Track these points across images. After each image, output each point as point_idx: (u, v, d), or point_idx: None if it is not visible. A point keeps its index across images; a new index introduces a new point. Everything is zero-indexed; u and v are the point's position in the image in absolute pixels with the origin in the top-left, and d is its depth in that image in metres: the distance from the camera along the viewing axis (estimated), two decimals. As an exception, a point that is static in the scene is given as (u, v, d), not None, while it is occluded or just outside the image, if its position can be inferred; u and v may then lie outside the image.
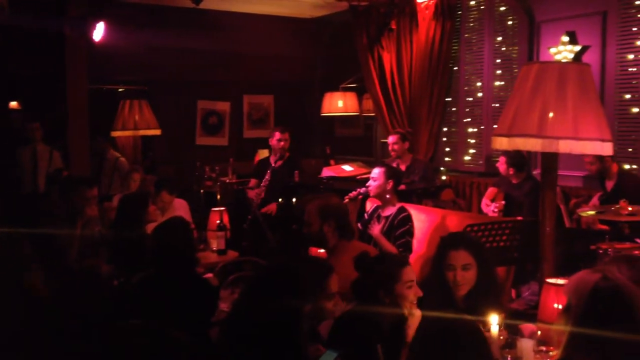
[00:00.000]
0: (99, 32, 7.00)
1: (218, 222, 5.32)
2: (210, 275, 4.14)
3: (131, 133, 8.08)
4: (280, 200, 6.67)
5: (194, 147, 8.86)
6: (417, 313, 2.75)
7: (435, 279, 3.09)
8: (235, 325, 2.33)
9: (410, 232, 4.57)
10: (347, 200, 4.74)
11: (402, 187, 6.20)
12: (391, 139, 6.72)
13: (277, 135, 6.75)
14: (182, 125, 8.81)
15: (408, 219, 4.61)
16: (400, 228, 4.56)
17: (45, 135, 7.03)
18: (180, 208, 5.56)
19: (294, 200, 6.55)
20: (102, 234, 4.58)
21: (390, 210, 4.69)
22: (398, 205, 4.71)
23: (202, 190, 7.20)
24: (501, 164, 6.03)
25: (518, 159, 5.87)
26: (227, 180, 7.21)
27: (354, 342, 2.57)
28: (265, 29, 9.07)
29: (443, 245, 3.13)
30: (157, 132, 8.15)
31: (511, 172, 5.93)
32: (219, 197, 6.81)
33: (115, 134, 8.05)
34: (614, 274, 2.03)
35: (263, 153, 8.15)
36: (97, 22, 6.96)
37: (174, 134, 8.59)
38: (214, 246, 5.28)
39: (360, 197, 4.85)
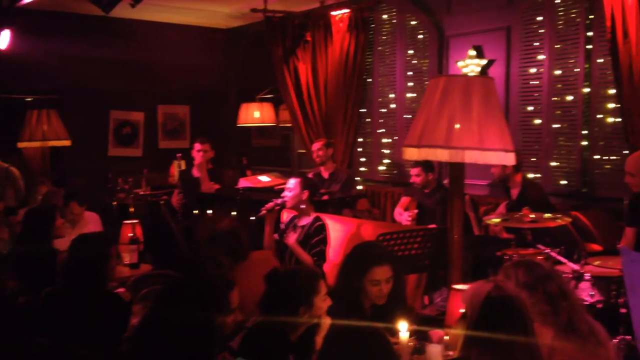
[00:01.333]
0: (4, 40, 6.76)
1: (130, 235, 5.20)
2: (122, 290, 4.04)
3: (39, 144, 7.78)
4: (195, 212, 6.59)
5: (107, 158, 8.66)
6: (327, 321, 2.79)
7: (347, 289, 3.14)
8: (144, 339, 2.29)
9: (324, 241, 4.63)
10: (263, 212, 4.75)
11: (325, 197, 6.30)
12: (315, 146, 6.78)
13: (197, 146, 6.72)
14: (94, 135, 8.59)
15: (323, 228, 4.67)
16: (315, 237, 4.61)
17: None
18: (91, 221, 5.41)
19: (209, 212, 6.49)
20: (8, 248, 4.41)
21: (306, 220, 4.74)
22: (313, 214, 4.77)
23: (114, 203, 7.03)
24: (417, 176, 6.09)
25: (430, 163, 5.99)
26: (141, 192, 7.06)
27: (265, 353, 2.58)
28: (180, 39, 8.98)
29: (366, 261, 3.18)
30: (67, 142, 7.89)
31: (430, 177, 6.03)
32: (132, 209, 6.66)
33: (22, 145, 7.73)
34: (505, 284, 2.20)
35: (177, 164, 8.02)
36: (2, 29, 6.71)
37: (85, 144, 8.33)
38: (127, 260, 5.15)
39: (277, 208, 4.87)
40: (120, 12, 7.12)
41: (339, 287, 3.23)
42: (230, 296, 2.53)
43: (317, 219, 4.73)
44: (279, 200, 4.84)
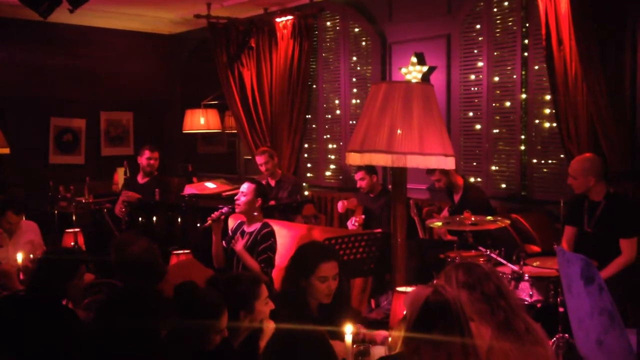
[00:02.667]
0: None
1: (72, 244, 5.10)
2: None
3: (-23, 152, 7.55)
4: (140, 219, 6.52)
5: (48, 166, 8.46)
6: (271, 326, 2.81)
7: (294, 290, 3.15)
8: (86, 349, 2.26)
9: (272, 248, 4.63)
10: (209, 222, 4.71)
11: (272, 202, 6.30)
12: (260, 159, 6.73)
13: (147, 153, 6.68)
14: (34, 143, 8.39)
15: (271, 234, 4.67)
16: (263, 244, 4.61)
17: None
18: (30, 230, 5.28)
19: (154, 219, 6.44)
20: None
21: (254, 227, 4.74)
22: (263, 221, 4.78)
23: (55, 211, 6.88)
24: (362, 180, 6.14)
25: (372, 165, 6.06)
26: (84, 200, 6.93)
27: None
28: (123, 45, 8.88)
29: (313, 258, 3.19)
30: (6, 150, 7.67)
31: (374, 179, 6.11)
32: (74, 218, 6.53)
33: (-42, 153, 7.50)
34: (444, 289, 2.30)
35: (122, 171, 7.92)
36: None
37: (24, 152, 8.14)
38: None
39: (223, 217, 4.85)
40: (60, 18, 6.98)
41: (286, 289, 3.24)
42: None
43: (266, 225, 4.73)
44: (225, 209, 4.83)
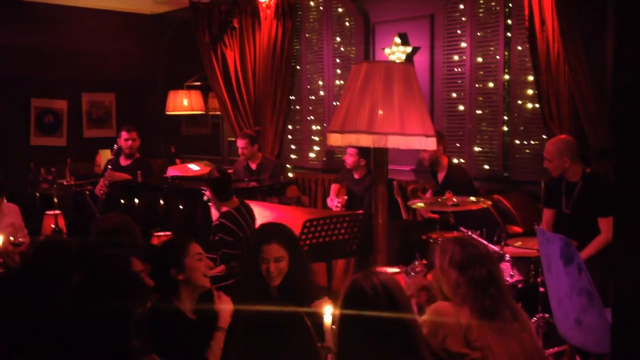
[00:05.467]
0: None
1: (53, 226, 5.07)
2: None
3: (-45, 134, 7.47)
4: (122, 201, 6.48)
5: (29, 148, 8.36)
6: (227, 305, 2.91)
7: (250, 272, 3.16)
8: (61, 334, 2.24)
9: (222, 243, 4.54)
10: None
11: (253, 184, 6.28)
12: (240, 143, 6.71)
13: (124, 134, 6.67)
14: (14, 124, 8.29)
15: (219, 228, 4.59)
16: (213, 237, 4.58)
17: None
18: (11, 213, 5.21)
19: (136, 201, 6.39)
20: None
21: (215, 217, 4.76)
22: (224, 209, 4.73)
23: (37, 194, 6.82)
24: (351, 156, 6.10)
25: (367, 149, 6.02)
26: (65, 183, 6.87)
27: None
28: (105, 25, 8.76)
29: (258, 239, 3.17)
30: (-15, 132, 7.61)
31: (362, 162, 6.09)
32: (55, 200, 6.48)
33: (-64, 135, 7.41)
34: (376, 274, 2.22)
35: (105, 153, 7.86)
36: None
37: (4, 134, 8.05)
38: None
39: None
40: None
41: (244, 271, 3.26)
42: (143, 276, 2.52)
43: (222, 215, 4.64)
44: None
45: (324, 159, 7.41)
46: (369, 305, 2.09)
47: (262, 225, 3.43)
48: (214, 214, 4.88)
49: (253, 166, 6.71)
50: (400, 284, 2.42)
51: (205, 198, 4.88)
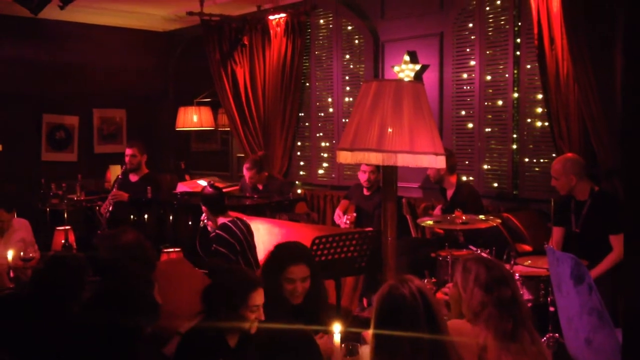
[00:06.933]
0: None
1: (63, 241, 5.09)
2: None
3: (-32, 149, 7.53)
4: (132, 217, 6.51)
5: (40, 163, 8.42)
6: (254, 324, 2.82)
7: (271, 290, 3.15)
8: (73, 345, 2.25)
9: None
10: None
11: (248, 201, 6.37)
12: (247, 173, 6.77)
13: (126, 151, 6.72)
14: (26, 140, 8.35)
15: (214, 239, 4.76)
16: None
17: None
18: (21, 228, 5.25)
19: (146, 217, 6.42)
20: None
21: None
22: (220, 222, 4.85)
23: (47, 209, 6.86)
24: (364, 173, 6.07)
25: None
26: (75, 198, 6.91)
27: (200, 358, 2.57)
28: (116, 42, 8.85)
29: (282, 259, 3.21)
30: (-2, 147, 7.67)
31: (379, 178, 6.08)
32: (66, 215, 6.52)
33: (-52, 150, 7.48)
34: (403, 285, 2.28)
35: (115, 169, 7.91)
36: None
37: (16, 149, 8.12)
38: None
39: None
40: (52, 14, 6.97)
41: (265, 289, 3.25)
42: (154, 294, 2.51)
43: (219, 227, 4.80)
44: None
45: (333, 175, 7.42)
46: (408, 308, 2.17)
47: (285, 246, 3.43)
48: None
49: (260, 187, 6.78)
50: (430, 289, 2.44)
51: (201, 224, 4.98)
